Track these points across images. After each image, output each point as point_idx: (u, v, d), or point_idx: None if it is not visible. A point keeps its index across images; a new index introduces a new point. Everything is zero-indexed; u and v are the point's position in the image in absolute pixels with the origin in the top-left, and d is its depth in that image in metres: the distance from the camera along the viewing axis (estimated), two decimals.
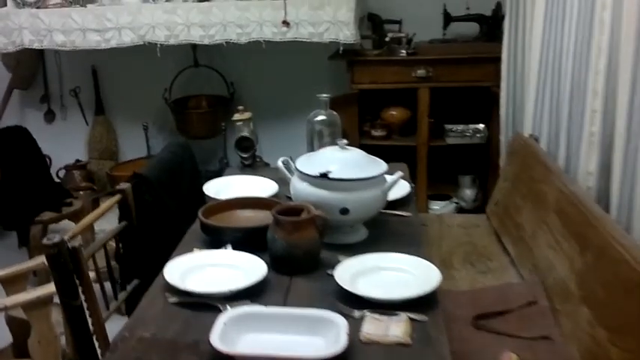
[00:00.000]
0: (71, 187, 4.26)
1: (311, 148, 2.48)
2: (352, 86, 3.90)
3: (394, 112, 4.05)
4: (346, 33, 3.64)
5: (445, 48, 3.88)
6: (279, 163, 2.09)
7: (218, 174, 4.70)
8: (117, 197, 2.01)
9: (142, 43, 3.85)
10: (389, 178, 2.05)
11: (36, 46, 3.98)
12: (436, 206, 3.96)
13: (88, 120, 4.76)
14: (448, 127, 4.08)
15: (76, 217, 3.61)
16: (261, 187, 2.45)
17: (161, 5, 3.80)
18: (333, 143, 2.43)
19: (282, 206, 1.89)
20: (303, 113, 4.64)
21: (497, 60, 3.68)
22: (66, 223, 3.71)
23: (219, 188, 2.43)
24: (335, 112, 2.50)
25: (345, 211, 1.93)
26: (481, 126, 4.07)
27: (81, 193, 4.24)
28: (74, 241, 1.70)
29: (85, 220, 1.82)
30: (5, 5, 4.09)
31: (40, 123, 4.82)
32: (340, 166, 1.96)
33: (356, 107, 3.89)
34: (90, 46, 3.89)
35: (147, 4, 3.84)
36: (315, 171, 1.95)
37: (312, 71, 4.41)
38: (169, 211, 2.18)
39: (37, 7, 3.95)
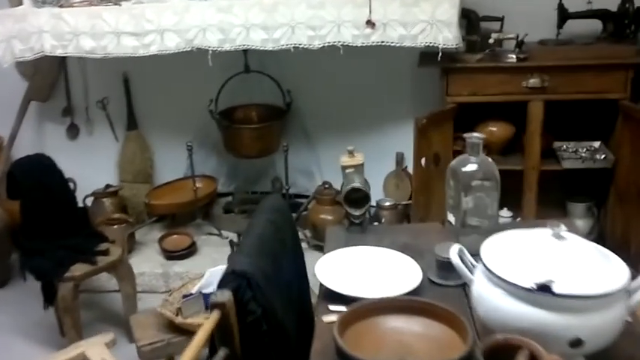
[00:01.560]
0: (102, 221, 3.57)
1: (458, 215, 1.78)
2: (447, 99, 3.18)
3: (494, 129, 3.33)
4: (447, 35, 2.93)
5: (562, 52, 3.14)
6: (453, 256, 1.39)
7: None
8: (214, 317, 1.31)
9: (190, 49, 3.15)
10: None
11: (59, 52, 3.29)
12: None
13: (118, 136, 4.06)
14: (557, 144, 3.37)
15: (114, 268, 2.93)
16: (394, 265, 1.76)
17: (214, 2, 3.08)
18: (488, 207, 1.75)
19: (491, 343, 1.19)
20: (379, 133, 3.88)
21: (630, 67, 3.01)
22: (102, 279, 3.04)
23: (332, 269, 1.73)
24: (490, 160, 1.80)
25: (577, 342, 1.24)
26: (596, 143, 3.36)
27: (114, 227, 3.55)
28: None
29: None
30: (21, 4, 3.39)
31: (62, 139, 4.14)
32: (561, 270, 1.26)
33: (451, 124, 3.18)
34: (125, 52, 3.20)
35: (196, 1, 3.12)
36: (523, 278, 1.25)
37: (389, 79, 3.70)
38: (281, 322, 1.49)
39: (60, 6, 3.25)
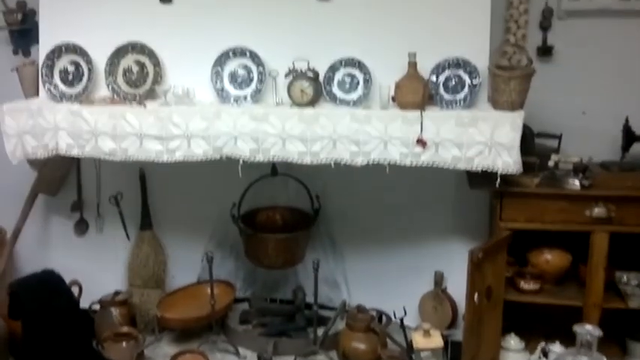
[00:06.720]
0: (108, 336, 3.22)
1: None
2: (500, 224, 2.87)
3: (549, 257, 3.03)
4: (507, 160, 2.64)
5: (630, 179, 2.85)
6: None
7: (294, 310, 3.69)
8: None
9: (219, 157, 2.87)
10: None
11: (75, 153, 3.02)
12: None
13: (130, 234, 3.74)
14: (618, 275, 3.04)
15: None
16: None
17: (248, 110, 2.81)
18: None
19: None
20: (415, 248, 3.48)
21: None
22: None
23: None
24: (604, 357, 1.47)
25: None
26: None
27: (122, 344, 3.19)
28: None
29: None
30: (37, 95, 3.14)
31: (69, 235, 3.82)
32: None
33: (504, 253, 2.85)
34: (148, 157, 2.93)
35: (227, 106, 2.86)
36: None
37: (429, 191, 3.40)
38: None
39: (80, 102, 2.99)
